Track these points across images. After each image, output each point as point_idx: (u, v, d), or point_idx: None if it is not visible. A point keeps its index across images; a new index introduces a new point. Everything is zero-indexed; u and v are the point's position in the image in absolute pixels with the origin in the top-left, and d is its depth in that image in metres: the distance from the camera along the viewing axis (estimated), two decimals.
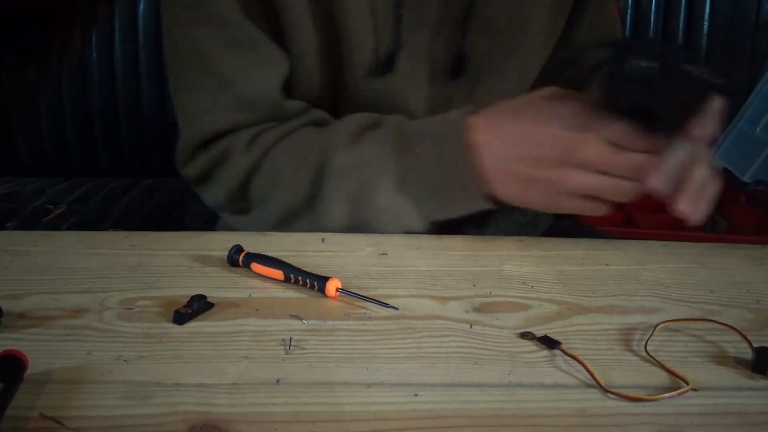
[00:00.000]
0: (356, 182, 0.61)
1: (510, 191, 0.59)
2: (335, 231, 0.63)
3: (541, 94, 0.59)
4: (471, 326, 0.47)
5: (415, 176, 0.60)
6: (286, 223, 0.65)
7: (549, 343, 0.45)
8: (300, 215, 0.65)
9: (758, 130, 0.97)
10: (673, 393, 0.40)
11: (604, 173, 0.55)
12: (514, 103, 0.60)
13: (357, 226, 0.63)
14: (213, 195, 0.69)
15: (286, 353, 0.43)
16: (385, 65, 0.67)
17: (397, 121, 0.63)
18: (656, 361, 0.43)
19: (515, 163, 0.58)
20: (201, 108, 0.67)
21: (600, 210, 0.58)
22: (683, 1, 1.26)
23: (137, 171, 1.28)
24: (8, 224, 1.00)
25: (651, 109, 0.53)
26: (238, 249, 0.55)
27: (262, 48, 0.65)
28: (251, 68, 0.65)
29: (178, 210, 1.11)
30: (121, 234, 0.62)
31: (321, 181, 0.62)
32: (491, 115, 0.60)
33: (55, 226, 1.00)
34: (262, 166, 0.65)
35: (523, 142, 0.58)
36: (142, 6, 1.21)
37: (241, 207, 0.68)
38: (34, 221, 1.01)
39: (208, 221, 1.05)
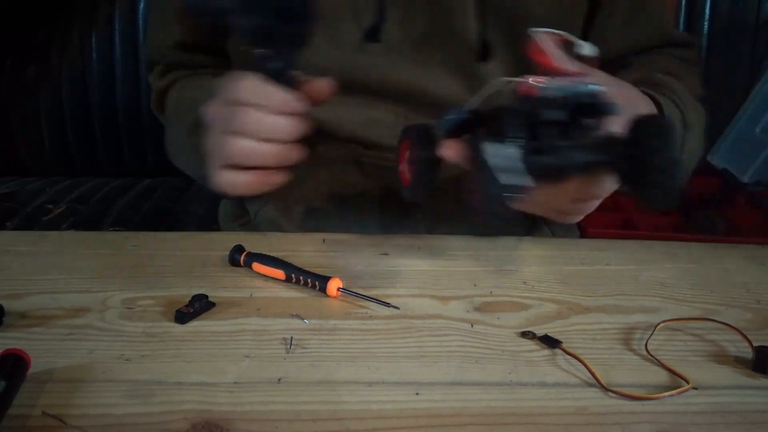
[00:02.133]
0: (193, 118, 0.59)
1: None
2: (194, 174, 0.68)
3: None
4: (472, 326, 0.47)
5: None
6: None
7: (550, 342, 0.45)
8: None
9: (758, 130, 0.97)
10: (674, 392, 0.40)
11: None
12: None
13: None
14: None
15: (288, 352, 0.43)
16: (369, 36, 0.67)
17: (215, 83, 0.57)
18: (657, 360, 0.44)
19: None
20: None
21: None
22: (683, 1, 1.26)
23: (136, 171, 1.28)
24: (8, 224, 0.99)
25: None
26: (239, 249, 0.55)
27: None
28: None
29: (177, 209, 1.11)
30: (122, 234, 0.62)
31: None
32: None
33: (54, 225, 1.00)
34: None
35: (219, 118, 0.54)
36: (142, 6, 1.20)
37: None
38: (33, 221, 1.01)
39: (206, 220, 1.05)
